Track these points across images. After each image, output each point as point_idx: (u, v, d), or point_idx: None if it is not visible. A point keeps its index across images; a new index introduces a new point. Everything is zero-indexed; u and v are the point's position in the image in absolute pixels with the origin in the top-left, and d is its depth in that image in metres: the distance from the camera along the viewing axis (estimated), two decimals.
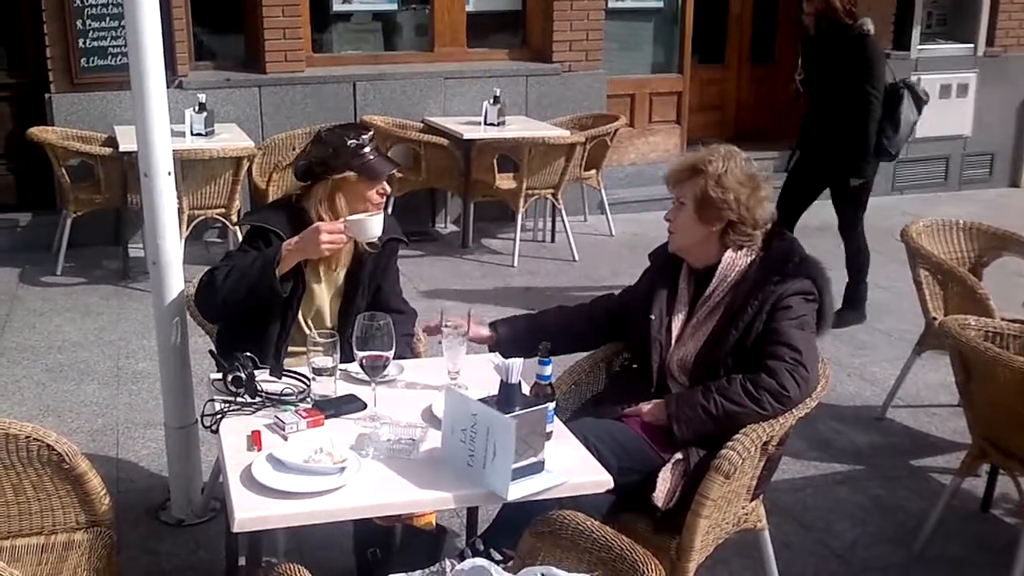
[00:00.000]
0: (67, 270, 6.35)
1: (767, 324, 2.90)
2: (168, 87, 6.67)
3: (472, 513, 3.23)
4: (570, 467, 2.44)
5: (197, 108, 6.34)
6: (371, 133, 3.21)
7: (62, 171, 6.20)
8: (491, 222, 7.47)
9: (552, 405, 2.54)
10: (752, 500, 3.00)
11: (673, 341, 3.03)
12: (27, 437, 2.56)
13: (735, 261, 3.01)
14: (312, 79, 7.19)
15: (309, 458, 2.36)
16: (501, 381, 2.35)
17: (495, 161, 6.94)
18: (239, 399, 2.70)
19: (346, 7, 7.60)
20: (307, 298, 3.21)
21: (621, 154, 8.41)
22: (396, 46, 7.90)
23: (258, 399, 2.70)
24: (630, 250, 7.23)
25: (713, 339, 2.96)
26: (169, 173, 3.47)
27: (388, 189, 3.24)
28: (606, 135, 7.27)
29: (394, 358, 2.87)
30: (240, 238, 3.45)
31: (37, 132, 6.16)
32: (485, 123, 7.10)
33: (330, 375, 2.70)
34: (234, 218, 6.16)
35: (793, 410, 2.85)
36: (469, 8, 7.78)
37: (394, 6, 7.76)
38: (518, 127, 7.12)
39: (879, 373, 5.19)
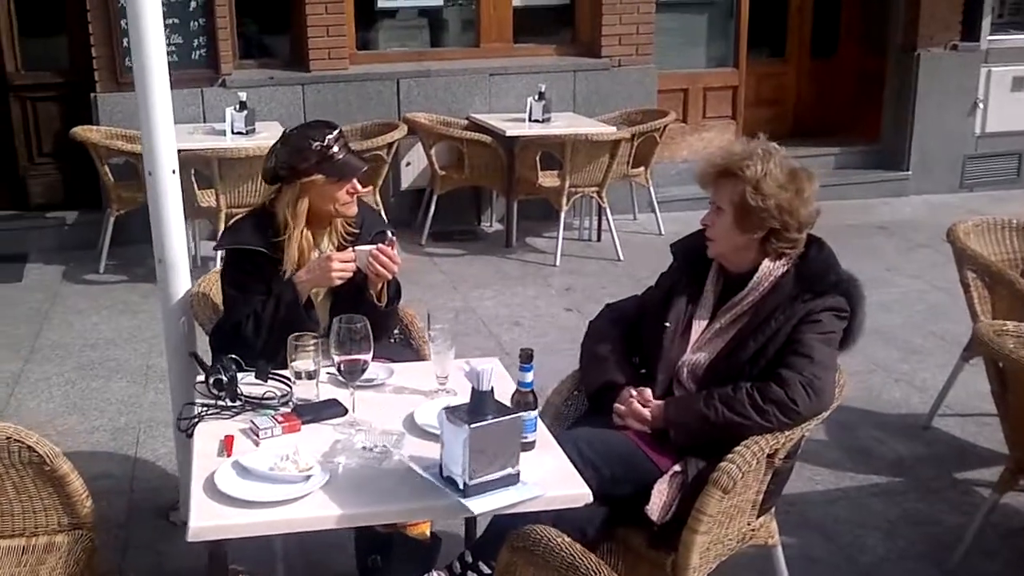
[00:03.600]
0: (109, 268, 6.39)
1: (790, 335, 2.73)
2: (211, 86, 6.88)
3: (470, 522, 3.12)
4: (549, 479, 2.32)
5: (238, 107, 6.34)
6: (337, 131, 3.11)
7: (105, 170, 6.24)
8: (537, 221, 7.35)
9: (534, 414, 2.42)
10: (760, 515, 2.83)
11: (689, 347, 2.87)
12: (8, 438, 2.54)
13: (772, 271, 2.83)
14: (356, 77, 7.15)
15: (274, 465, 2.28)
16: (472, 388, 2.23)
17: (538, 159, 6.81)
18: (220, 403, 2.63)
19: (391, 4, 7.55)
20: None
21: (673, 151, 8.22)
22: (441, 42, 7.83)
23: (239, 403, 2.62)
24: None
25: (730, 348, 2.79)
26: (173, 171, 3.41)
27: (359, 188, 3.13)
28: (655, 131, 7.09)
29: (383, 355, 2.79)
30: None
31: (81, 131, 6.22)
32: (530, 120, 6.98)
33: (311, 378, 2.61)
34: None
35: (803, 424, 2.68)
36: (516, 3, 7.67)
37: (440, 2, 7.69)
38: (563, 124, 6.98)
39: (929, 380, 4.94)
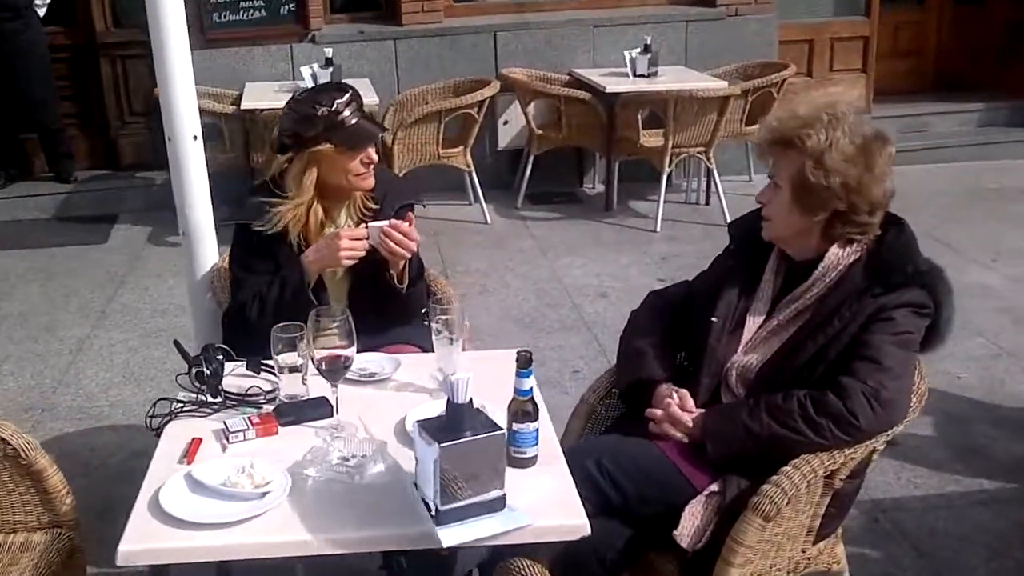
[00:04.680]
0: None
1: (857, 336, 2.29)
2: (300, 41, 6.65)
3: None
4: (544, 505, 1.97)
5: (323, 63, 6.11)
6: (349, 95, 2.78)
7: None
8: (643, 183, 6.87)
9: (534, 426, 2.07)
10: (818, 541, 2.41)
11: (740, 346, 2.46)
12: None
13: (841, 259, 2.38)
14: (450, 30, 6.82)
15: (227, 479, 2.00)
16: (448, 400, 1.90)
17: (640, 116, 6.36)
18: (200, 398, 2.37)
19: None
20: None
21: (795, 107, 7.58)
22: None
23: (219, 399, 2.36)
24: None
25: (786, 350, 2.36)
26: (195, 137, 3.18)
27: (374, 157, 2.80)
28: (771, 86, 6.54)
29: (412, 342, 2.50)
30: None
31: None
32: (634, 75, 6.53)
33: (296, 373, 2.32)
34: None
35: (868, 441, 2.25)
36: None
37: None
38: (670, 79, 6.49)
39: None
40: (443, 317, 2.37)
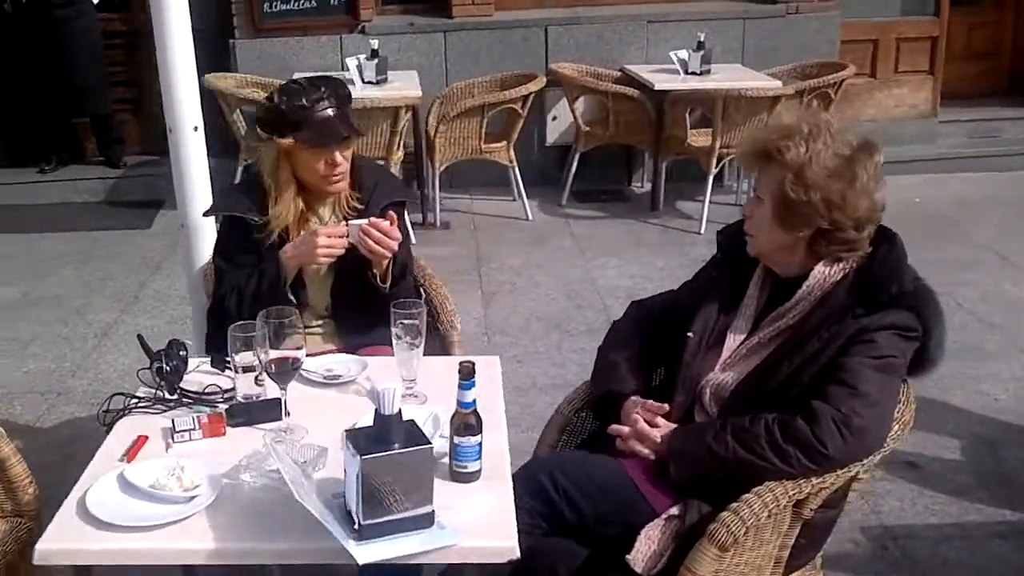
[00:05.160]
0: None
1: (835, 358, 2.15)
2: (350, 32, 6.63)
3: None
4: (477, 524, 1.89)
5: (369, 54, 6.08)
6: (327, 90, 2.69)
7: (234, 118, 6.14)
8: (692, 183, 6.69)
9: (475, 439, 1.99)
10: (790, 572, 2.28)
11: (719, 363, 2.34)
12: None
13: (828, 277, 2.24)
14: (501, 23, 6.74)
15: (156, 481, 1.96)
16: (375, 411, 1.83)
17: (688, 115, 6.20)
18: (157, 394, 2.34)
19: None
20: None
21: (858, 108, 7.35)
22: None
23: (175, 397, 2.33)
24: None
25: (763, 368, 2.23)
26: (196, 128, 3.16)
27: (339, 160, 2.69)
28: (828, 87, 6.33)
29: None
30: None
31: (211, 79, 6.11)
32: (685, 72, 6.37)
33: (251, 373, 2.27)
34: (393, 170, 5.85)
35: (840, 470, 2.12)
36: None
37: None
38: (722, 77, 6.32)
39: None
40: (403, 322, 2.29)
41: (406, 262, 2.78)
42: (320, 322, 2.86)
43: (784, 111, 2.34)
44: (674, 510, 2.17)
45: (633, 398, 2.37)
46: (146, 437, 2.17)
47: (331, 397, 2.38)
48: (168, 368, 2.35)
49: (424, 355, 2.67)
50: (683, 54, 6.35)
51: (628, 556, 2.11)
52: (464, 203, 6.69)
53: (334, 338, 2.85)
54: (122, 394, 2.34)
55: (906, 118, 7.38)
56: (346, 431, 1.87)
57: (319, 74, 2.95)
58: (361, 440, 1.82)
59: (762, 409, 2.18)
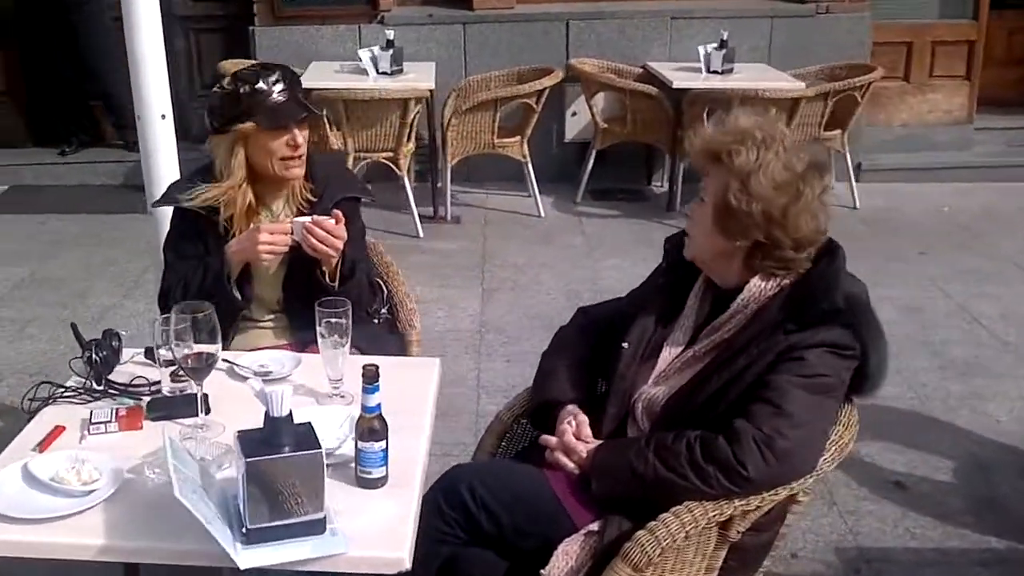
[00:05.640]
0: None
1: (763, 375, 2.06)
2: (369, 22, 6.59)
3: None
4: (372, 533, 1.83)
5: (384, 45, 6.04)
6: (280, 74, 2.65)
7: None
8: None
9: (380, 445, 1.93)
10: None
11: (652, 376, 2.25)
12: None
13: (763, 291, 2.15)
14: (521, 16, 6.66)
15: (56, 474, 1.93)
16: (265, 413, 1.78)
17: (705, 114, 6.07)
18: (85, 384, 2.32)
19: None
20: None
21: (890, 113, 7.18)
22: None
23: (101, 388, 2.30)
24: (869, 227, 6.15)
25: (694, 383, 2.15)
26: (163, 117, 3.15)
27: (299, 141, 2.65)
28: (854, 89, 6.17)
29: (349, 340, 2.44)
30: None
31: (228, 65, 6.11)
32: (707, 71, 6.25)
33: (169, 367, 2.23)
34: (402, 162, 5.81)
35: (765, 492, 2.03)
36: None
37: None
38: (744, 76, 6.20)
39: None
40: (329, 320, 2.24)
41: (356, 260, 2.72)
42: (272, 316, 2.82)
43: (741, 114, 2.23)
44: (594, 526, 2.09)
45: (568, 407, 2.29)
46: (63, 428, 2.15)
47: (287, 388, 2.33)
48: (98, 358, 2.33)
49: (383, 355, 2.65)
50: (711, 47, 6.23)
51: (543, 571, 2.04)
52: (479, 197, 6.63)
53: (286, 333, 2.81)
54: (49, 382, 2.31)
55: (940, 124, 7.18)
56: (238, 432, 1.82)
57: (254, 62, 2.89)
58: (249, 442, 1.78)
59: (690, 426, 2.09)
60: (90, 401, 2.27)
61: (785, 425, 1.99)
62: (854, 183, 6.52)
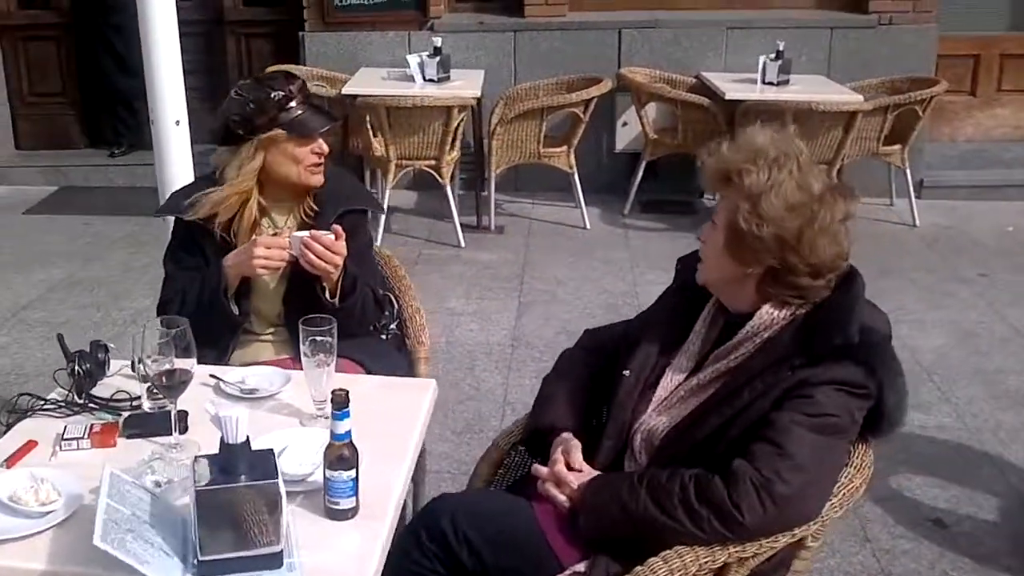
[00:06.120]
0: None
1: (767, 413, 1.91)
2: (419, 29, 6.53)
3: None
4: (333, 568, 1.73)
5: (431, 52, 5.97)
6: (300, 83, 2.61)
7: None
8: None
9: (348, 475, 1.82)
10: None
11: (652, 405, 2.12)
12: None
13: (775, 320, 2.01)
14: (573, 24, 6.54)
15: (14, 494, 1.86)
16: (221, 439, 1.69)
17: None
18: (65, 398, 2.26)
19: None
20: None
21: (956, 128, 6.91)
22: None
23: (81, 402, 2.23)
24: (928, 246, 5.90)
25: (696, 415, 2.01)
26: (178, 122, 3.10)
27: (325, 148, 2.63)
28: (916, 103, 5.94)
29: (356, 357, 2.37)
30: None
31: (271, 73, 6.09)
32: (762, 82, 6.07)
33: (145, 382, 2.15)
34: (445, 171, 5.72)
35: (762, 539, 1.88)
36: None
37: None
38: (800, 88, 6.00)
39: None
40: (314, 339, 2.15)
41: (357, 275, 2.63)
42: (272, 330, 2.74)
43: (756, 132, 2.09)
44: (580, 566, 1.97)
45: (564, 435, 2.17)
46: (35, 443, 2.08)
47: (238, 414, 2.24)
48: (81, 371, 2.26)
49: (388, 373, 2.56)
50: (768, 58, 6.04)
51: None
52: (525, 207, 6.52)
53: (286, 347, 2.72)
54: (29, 395, 2.26)
55: (1007, 140, 6.90)
56: (196, 456, 1.73)
57: (270, 71, 2.83)
58: (203, 469, 1.69)
59: (690, 462, 1.96)
60: (69, 415, 2.21)
61: (786, 468, 1.84)
62: (914, 199, 6.27)
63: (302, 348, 2.15)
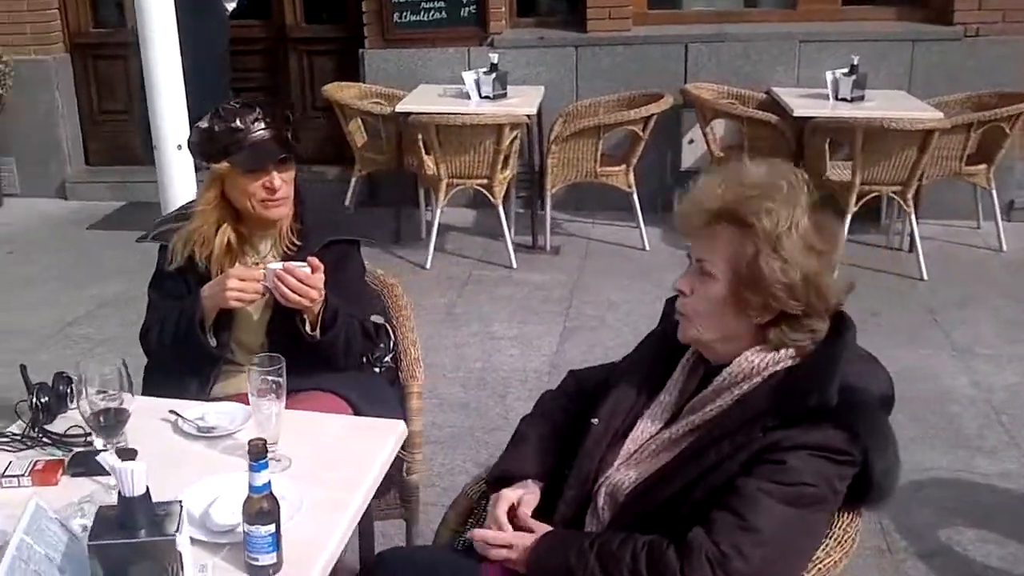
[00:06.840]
0: None
1: (735, 476, 1.71)
2: (479, 45, 6.41)
3: None
4: None
5: (488, 68, 5.85)
6: (260, 111, 2.49)
7: (350, 129, 6.05)
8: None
9: (267, 530, 1.69)
10: None
11: (620, 458, 1.94)
12: None
13: (759, 367, 1.81)
14: (637, 39, 6.33)
15: None
16: (119, 493, 1.57)
17: (827, 145, 5.60)
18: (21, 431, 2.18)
19: None
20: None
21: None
22: (756, 2, 6.74)
23: (36, 435, 2.15)
24: (1012, 273, 5.52)
25: (664, 472, 1.82)
26: (179, 147, 3.02)
27: (277, 183, 2.48)
28: (1001, 120, 5.57)
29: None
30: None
31: (331, 89, 6.05)
32: (835, 98, 5.77)
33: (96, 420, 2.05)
34: (497, 190, 5.58)
35: None
36: None
37: None
38: (876, 104, 5.68)
39: None
40: (265, 378, 2.02)
41: (339, 308, 2.50)
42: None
43: (749, 165, 1.89)
44: None
45: (521, 484, 2.00)
46: None
47: (194, 453, 2.14)
48: (39, 404, 2.19)
49: (374, 413, 2.44)
50: (839, 73, 5.75)
51: None
52: (583, 227, 6.34)
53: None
54: None
55: None
56: (99, 507, 1.62)
57: (235, 101, 2.73)
58: (102, 521, 1.57)
59: (652, 525, 1.77)
60: (22, 449, 2.13)
61: (748, 542, 1.63)
62: (1001, 223, 5.89)
63: (249, 387, 2.03)
